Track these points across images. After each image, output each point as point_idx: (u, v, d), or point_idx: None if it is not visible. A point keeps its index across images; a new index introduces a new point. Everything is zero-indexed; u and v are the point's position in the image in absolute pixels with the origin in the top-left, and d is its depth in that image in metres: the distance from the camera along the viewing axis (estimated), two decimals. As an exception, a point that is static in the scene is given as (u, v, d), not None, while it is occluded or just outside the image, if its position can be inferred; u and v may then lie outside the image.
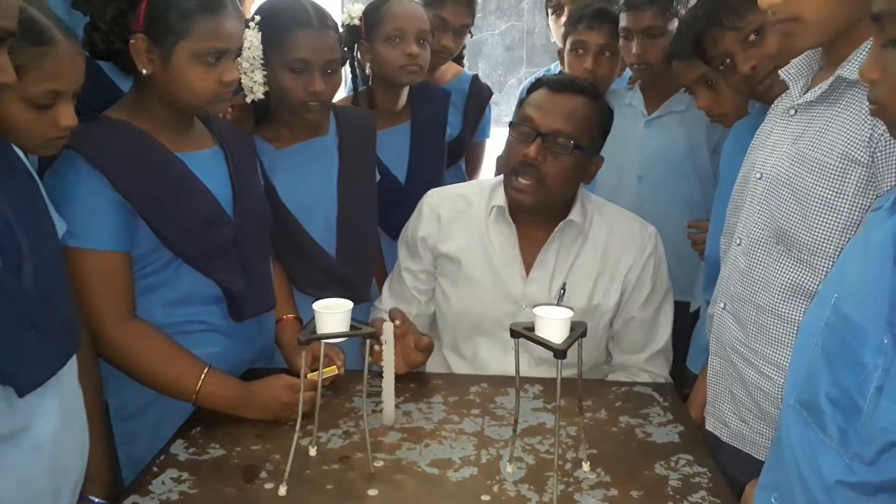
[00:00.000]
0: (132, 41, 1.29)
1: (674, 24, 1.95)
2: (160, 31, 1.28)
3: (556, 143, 1.49)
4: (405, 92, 2.04)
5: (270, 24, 1.58)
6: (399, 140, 2.04)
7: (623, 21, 2.00)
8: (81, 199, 1.26)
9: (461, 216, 1.64)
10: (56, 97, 1.10)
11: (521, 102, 1.62)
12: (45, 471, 1.06)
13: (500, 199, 1.60)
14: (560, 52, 2.50)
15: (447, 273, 1.64)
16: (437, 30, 2.16)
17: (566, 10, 2.41)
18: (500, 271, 1.59)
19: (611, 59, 2.09)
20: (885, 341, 0.79)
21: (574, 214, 1.57)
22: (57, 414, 1.07)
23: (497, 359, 1.57)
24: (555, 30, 2.52)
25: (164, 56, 1.29)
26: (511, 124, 1.56)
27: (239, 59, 1.56)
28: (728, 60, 1.48)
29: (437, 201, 1.68)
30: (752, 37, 1.43)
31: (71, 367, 1.12)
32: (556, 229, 1.57)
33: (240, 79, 1.37)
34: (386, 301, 1.71)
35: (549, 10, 2.52)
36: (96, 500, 1.27)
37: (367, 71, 1.99)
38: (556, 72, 2.48)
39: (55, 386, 1.07)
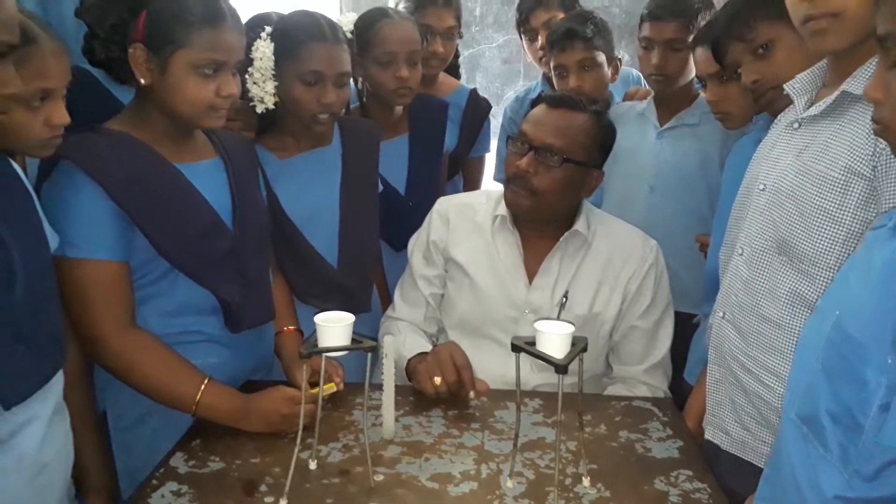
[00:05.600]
0: (131, 50, 1.29)
1: None
2: (159, 41, 1.28)
3: (546, 157, 1.54)
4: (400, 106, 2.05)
5: (284, 36, 1.60)
6: (397, 152, 2.05)
7: (645, 31, 2.02)
8: (79, 209, 1.26)
9: (467, 223, 1.70)
10: (46, 95, 1.11)
11: (508, 123, 1.65)
12: (27, 482, 1.06)
13: (504, 208, 1.65)
14: (545, 74, 2.53)
15: (454, 278, 1.69)
16: (425, 37, 2.17)
17: (540, 35, 2.43)
18: (504, 278, 1.63)
19: (592, 71, 2.11)
20: (889, 361, 0.79)
21: (579, 225, 1.62)
22: (42, 426, 1.08)
23: (498, 363, 1.58)
24: (531, 52, 2.55)
25: (162, 65, 1.29)
26: (508, 138, 1.62)
27: (250, 69, 1.57)
28: (738, 70, 1.49)
29: (446, 208, 1.74)
30: (760, 50, 1.43)
31: (57, 381, 1.13)
32: (561, 238, 1.62)
33: (239, 93, 1.37)
34: (400, 308, 1.74)
35: (523, 35, 2.54)
36: None
37: (360, 86, 1.99)
38: (538, 92, 2.50)
39: (41, 398, 1.07)
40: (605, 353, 1.67)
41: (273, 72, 1.60)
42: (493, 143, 2.60)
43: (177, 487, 1.18)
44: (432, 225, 1.73)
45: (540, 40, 2.43)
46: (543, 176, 1.55)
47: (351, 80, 1.79)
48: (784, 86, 1.31)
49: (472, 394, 1.44)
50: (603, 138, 1.61)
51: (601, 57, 2.11)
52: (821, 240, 1.17)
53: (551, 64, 2.17)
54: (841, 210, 1.14)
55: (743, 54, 1.46)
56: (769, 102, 1.47)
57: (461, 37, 2.39)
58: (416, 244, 1.76)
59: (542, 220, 1.62)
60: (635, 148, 2.06)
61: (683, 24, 1.97)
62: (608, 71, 2.15)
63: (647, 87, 2.28)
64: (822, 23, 1.15)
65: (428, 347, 1.60)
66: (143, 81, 1.31)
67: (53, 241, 1.18)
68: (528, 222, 1.63)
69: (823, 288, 1.18)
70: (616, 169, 2.04)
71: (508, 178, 1.60)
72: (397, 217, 1.93)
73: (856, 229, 1.13)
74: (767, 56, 1.43)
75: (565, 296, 1.55)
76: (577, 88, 2.07)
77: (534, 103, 1.64)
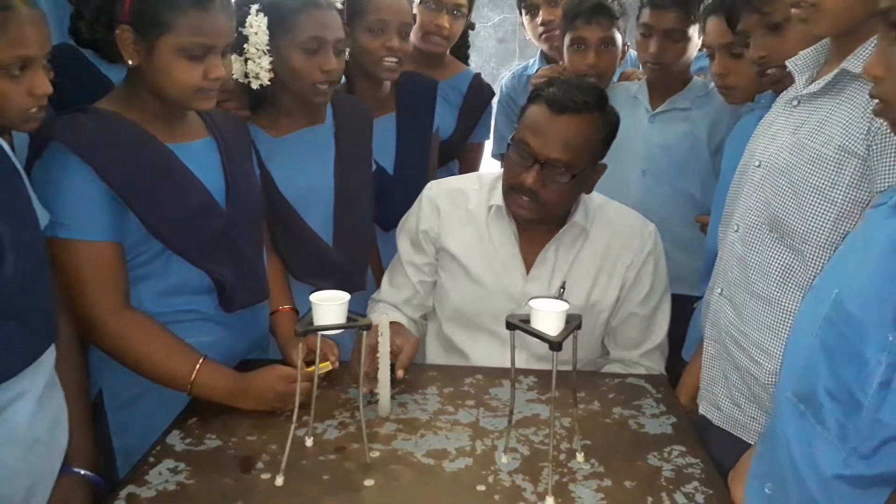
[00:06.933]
0: (118, 32, 1.28)
1: (694, 30, 1.95)
2: (145, 23, 1.27)
3: (553, 171, 1.46)
4: (387, 82, 2.03)
5: (276, 7, 1.58)
6: (385, 130, 2.02)
7: (645, 17, 2.00)
8: (70, 190, 1.26)
9: (460, 211, 1.63)
10: (26, 64, 1.10)
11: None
12: (19, 456, 1.06)
13: (500, 198, 1.58)
14: (543, 52, 2.50)
15: (447, 268, 1.64)
16: (431, 10, 2.15)
17: (541, 10, 2.38)
18: (500, 269, 1.59)
19: (611, 50, 2.08)
20: (891, 338, 0.79)
21: (577, 217, 1.57)
22: (33, 401, 1.08)
23: (495, 355, 1.57)
24: (530, 29, 2.49)
25: (148, 48, 1.28)
26: (509, 143, 1.52)
27: (245, 45, 1.55)
28: (748, 40, 1.48)
29: (436, 194, 1.67)
30: (773, 26, 1.41)
31: (49, 357, 1.13)
32: (560, 231, 1.57)
33: (228, 75, 1.36)
34: (386, 292, 1.71)
35: (523, 10, 2.49)
36: (82, 471, 1.24)
37: (347, 57, 1.98)
38: (536, 69, 2.47)
39: (31, 374, 1.07)
40: (602, 339, 1.65)
41: (268, 46, 1.57)
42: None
43: (174, 465, 1.19)
44: (422, 213, 1.65)
45: (541, 16, 2.38)
46: (551, 189, 1.47)
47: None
48: (787, 62, 1.30)
49: (399, 373, 1.40)
50: (607, 135, 1.52)
51: (619, 38, 2.07)
52: (812, 217, 1.17)
53: (568, 36, 2.10)
54: (833, 188, 1.14)
55: (756, 26, 1.45)
56: (774, 80, 1.46)
57: (472, 27, 2.35)
58: (403, 230, 1.70)
59: (543, 221, 1.56)
60: (627, 131, 2.01)
61: (683, 15, 1.94)
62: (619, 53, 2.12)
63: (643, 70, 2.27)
64: (802, 12, 1.17)
65: (402, 321, 1.60)
66: (130, 63, 1.30)
67: (43, 217, 1.17)
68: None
69: (814, 266, 1.18)
70: (609, 152, 2.04)
71: (512, 186, 1.51)
72: (386, 196, 1.91)
73: (847, 208, 1.14)
74: (780, 33, 1.41)
75: (562, 286, 1.52)
76: (593, 66, 2.03)
77: (532, 99, 1.52)
